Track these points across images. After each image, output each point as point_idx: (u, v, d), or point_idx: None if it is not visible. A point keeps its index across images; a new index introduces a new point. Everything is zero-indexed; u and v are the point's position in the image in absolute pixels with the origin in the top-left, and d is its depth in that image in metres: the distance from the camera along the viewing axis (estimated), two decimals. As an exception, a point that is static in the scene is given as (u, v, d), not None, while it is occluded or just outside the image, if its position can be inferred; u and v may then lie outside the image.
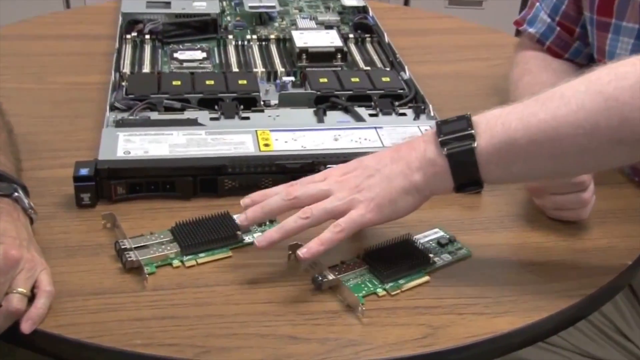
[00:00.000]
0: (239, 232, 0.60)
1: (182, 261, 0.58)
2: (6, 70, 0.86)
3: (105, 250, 0.58)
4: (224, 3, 1.01)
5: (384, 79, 0.81)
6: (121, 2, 0.97)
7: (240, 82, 0.79)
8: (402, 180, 0.55)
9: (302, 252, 0.54)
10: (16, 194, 0.58)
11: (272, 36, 0.93)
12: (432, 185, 0.55)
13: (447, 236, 0.62)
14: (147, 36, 0.90)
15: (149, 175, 0.64)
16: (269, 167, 0.65)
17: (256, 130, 0.70)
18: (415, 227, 0.62)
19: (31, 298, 0.52)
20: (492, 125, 0.53)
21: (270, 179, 0.65)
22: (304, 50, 0.86)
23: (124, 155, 0.65)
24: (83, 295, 0.54)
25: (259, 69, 0.85)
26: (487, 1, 1.81)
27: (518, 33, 0.85)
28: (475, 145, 0.53)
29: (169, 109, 0.74)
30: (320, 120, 0.75)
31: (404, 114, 0.77)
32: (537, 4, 0.81)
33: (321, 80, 0.81)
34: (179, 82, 0.78)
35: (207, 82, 0.78)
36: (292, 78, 0.84)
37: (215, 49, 0.90)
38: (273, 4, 0.98)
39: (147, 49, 0.89)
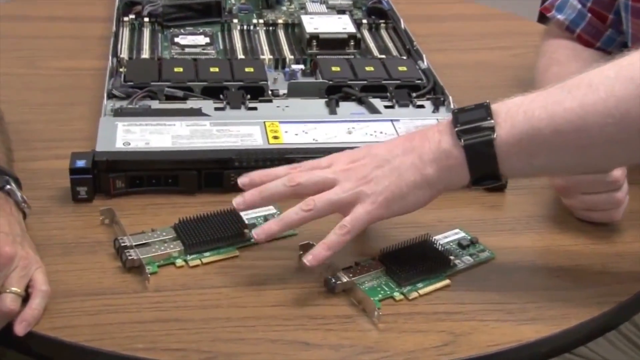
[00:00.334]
0: (246, 230, 0.60)
1: (185, 260, 0.58)
2: (-6, 54, 0.86)
3: (104, 247, 0.59)
4: (228, -16, 1.02)
5: (400, 69, 0.82)
6: (118, -18, 0.98)
7: (246, 69, 0.79)
8: (413, 173, 0.55)
9: (307, 259, 0.55)
10: (8, 186, 0.58)
11: (280, 21, 0.93)
12: (446, 179, 0.55)
13: (469, 237, 0.62)
14: (146, 19, 0.91)
15: (151, 169, 0.65)
16: (279, 161, 0.66)
17: (264, 122, 0.70)
18: (434, 227, 0.62)
19: (25, 298, 0.52)
20: (513, 114, 0.53)
21: (279, 174, 0.66)
22: (315, 36, 0.86)
23: (123, 146, 0.66)
24: (80, 296, 0.54)
25: (266, 56, 0.86)
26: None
27: (542, 19, 0.86)
28: (495, 136, 0.53)
29: (170, 98, 0.75)
30: (333, 111, 0.75)
31: (422, 106, 0.77)
32: (567, -12, 0.81)
33: (333, 69, 0.81)
34: (181, 69, 0.78)
35: (212, 70, 0.79)
36: (301, 66, 0.84)
37: (219, 34, 0.91)
38: (281, -14, 0.99)
39: (146, 33, 0.89)
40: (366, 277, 0.57)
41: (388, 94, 0.78)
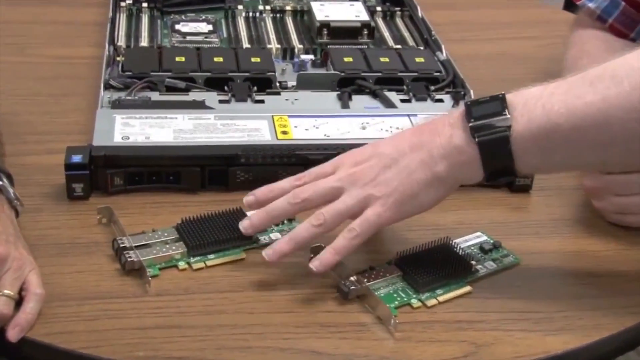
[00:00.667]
0: (253, 232, 0.61)
1: (188, 263, 0.59)
2: (-19, 40, 0.87)
3: (102, 248, 0.60)
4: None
5: (417, 60, 0.82)
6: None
7: (252, 59, 0.80)
8: (423, 171, 0.55)
9: (314, 264, 0.56)
10: (0, 182, 0.59)
11: (288, 7, 0.94)
12: (459, 175, 0.56)
13: (492, 241, 0.63)
14: (144, 4, 0.92)
15: (151, 165, 0.65)
16: (288, 157, 0.66)
17: (272, 116, 0.71)
18: (454, 230, 0.63)
19: (18, 302, 0.53)
20: (530, 108, 0.54)
21: (288, 172, 0.66)
22: (325, 24, 0.87)
23: (122, 140, 0.66)
24: (77, 300, 0.55)
25: (274, 45, 0.87)
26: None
27: (569, 7, 0.86)
28: (511, 132, 0.53)
29: (171, 89, 0.76)
30: (345, 105, 0.76)
31: (440, 100, 0.78)
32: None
33: (345, 59, 0.82)
34: (182, 59, 0.79)
35: (215, 59, 0.79)
36: (311, 56, 0.85)
37: (223, 21, 0.91)
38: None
39: (145, 19, 0.90)
40: (382, 282, 0.58)
41: (404, 87, 0.79)
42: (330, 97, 0.77)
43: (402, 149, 0.57)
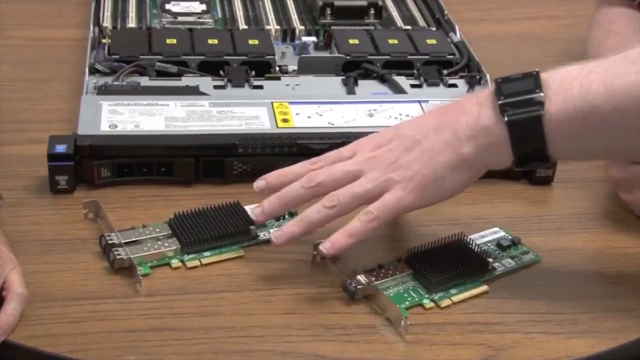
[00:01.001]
0: (252, 227, 0.61)
1: (182, 261, 0.59)
2: (-47, 21, 0.88)
3: (88, 245, 0.60)
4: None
5: (428, 42, 0.83)
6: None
7: (250, 42, 0.81)
8: (447, 153, 0.56)
9: (325, 246, 0.56)
10: (-23, 174, 0.60)
11: (288, -15, 0.94)
12: (486, 158, 0.56)
13: (510, 237, 0.63)
14: (132, -19, 0.92)
15: (141, 155, 0.66)
16: (289, 147, 0.67)
17: (272, 102, 0.72)
18: (470, 225, 0.64)
19: (-1, 302, 0.54)
20: (566, 87, 0.54)
21: (289, 162, 0.67)
22: (329, 3, 0.88)
23: (109, 129, 0.67)
24: (62, 301, 0.56)
25: (273, 26, 0.87)
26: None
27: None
28: (544, 111, 0.54)
29: (162, 74, 0.76)
30: (351, 91, 0.77)
31: (454, 85, 0.79)
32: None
33: (351, 41, 0.82)
34: (174, 41, 0.80)
35: (210, 42, 0.80)
36: (314, 38, 0.86)
37: (217, 0, 0.92)
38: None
39: (132, -2, 0.91)
40: (391, 281, 0.58)
41: (415, 72, 0.79)
42: (334, 82, 0.78)
43: (425, 130, 0.57)
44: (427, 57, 0.81)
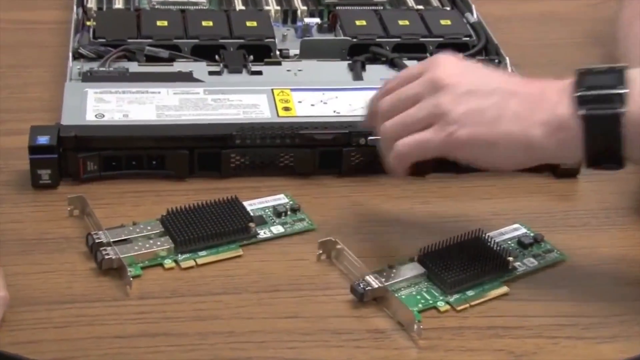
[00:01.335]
0: (251, 224, 0.62)
1: (176, 261, 0.60)
2: None
3: (73, 245, 0.61)
4: None
5: (443, 23, 0.84)
6: None
7: (248, 23, 0.81)
8: (515, 124, 0.55)
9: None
10: (-47, 168, 0.60)
11: (289, -38, 0.95)
12: (553, 151, 0.55)
13: (532, 234, 0.64)
14: (118, -42, 0.93)
15: (130, 147, 0.66)
16: (291, 138, 0.67)
17: (272, 89, 0.72)
18: (488, 222, 0.64)
19: (-22, 306, 0.54)
20: None
21: (291, 154, 0.68)
22: (333, -19, 0.88)
23: (95, 119, 0.67)
24: (46, 304, 0.56)
25: (272, 6, 0.88)
26: None
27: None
28: (625, 110, 0.53)
29: (152, 59, 0.77)
30: (358, 77, 0.77)
31: (471, 70, 0.79)
32: None
33: (357, 23, 0.83)
34: (165, 23, 0.80)
35: (204, 24, 0.80)
36: (317, 20, 0.86)
37: (211, -22, 0.92)
38: None
39: (119, -23, 0.91)
40: (403, 282, 0.59)
41: (427, 55, 0.80)
42: (339, 68, 0.78)
43: (506, 87, 0.56)
44: (441, 39, 0.82)
